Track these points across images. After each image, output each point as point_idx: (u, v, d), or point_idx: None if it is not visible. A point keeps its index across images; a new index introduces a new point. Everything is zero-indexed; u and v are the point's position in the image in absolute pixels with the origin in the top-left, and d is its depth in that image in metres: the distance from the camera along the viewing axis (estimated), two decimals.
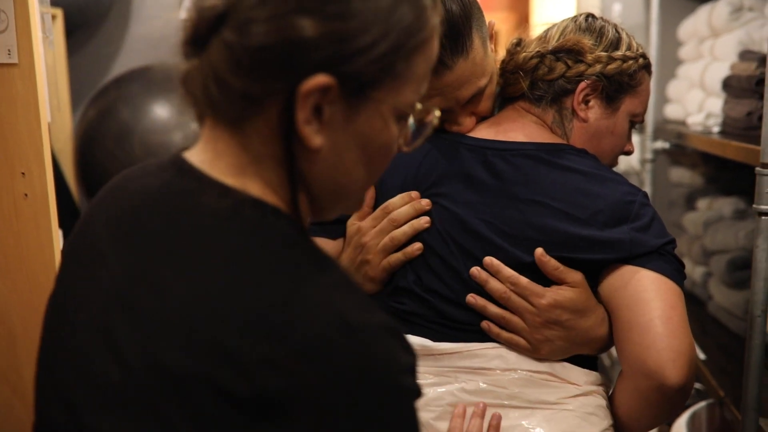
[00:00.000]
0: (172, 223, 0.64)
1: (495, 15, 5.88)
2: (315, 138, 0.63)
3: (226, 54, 0.61)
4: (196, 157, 0.67)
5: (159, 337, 0.59)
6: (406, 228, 1.10)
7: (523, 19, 5.44)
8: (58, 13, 2.18)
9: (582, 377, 1.07)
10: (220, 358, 0.56)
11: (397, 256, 1.10)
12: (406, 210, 1.11)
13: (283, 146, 0.63)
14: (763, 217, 1.19)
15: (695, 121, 1.95)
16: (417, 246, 1.09)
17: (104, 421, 0.60)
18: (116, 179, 0.72)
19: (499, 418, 1.02)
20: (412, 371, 0.61)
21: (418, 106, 0.70)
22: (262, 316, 0.57)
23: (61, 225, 1.27)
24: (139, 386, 0.59)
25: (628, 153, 1.24)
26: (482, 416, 1.02)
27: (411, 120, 0.73)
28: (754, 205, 1.19)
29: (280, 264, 0.61)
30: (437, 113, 0.74)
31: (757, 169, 1.19)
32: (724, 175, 2.21)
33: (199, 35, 0.62)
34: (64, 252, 0.73)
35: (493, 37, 1.21)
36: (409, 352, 0.62)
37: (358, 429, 0.58)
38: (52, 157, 1.27)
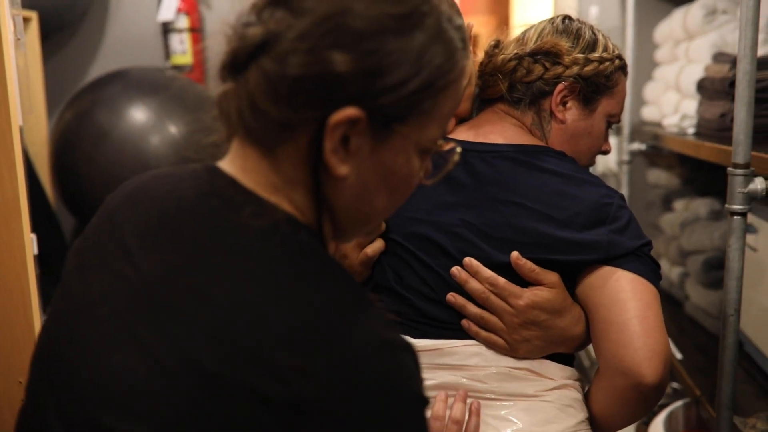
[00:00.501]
0: (210, 230, 0.66)
1: (475, 18, 5.91)
2: (341, 167, 0.66)
3: (264, 82, 0.64)
4: (231, 169, 0.69)
5: (197, 338, 0.60)
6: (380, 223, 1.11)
7: (503, 21, 5.47)
8: (33, 15, 2.16)
9: (558, 372, 1.09)
10: (258, 364, 0.58)
11: (374, 247, 1.11)
12: None
13: (310, 173, 0.67)
14: (735, 217, 1.20)
15: (671, 122, 1.97)
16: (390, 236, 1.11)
17: (124, 419, 0.60)
18: (140, 180, 0.74)
19: (479, 404, 1.04)
20: (424, 385, 0.66)
21: (441, 142, 0.73)
22: (301, 328, 0.60)
23: (35, 229, 1.26)
24: (170, 384, 0.60)
25: (606, 152, 1.26)
26: (464, 401, 1.04)
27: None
28: (726, 205, 1.21)
29: (317, 281, 0.64)
30: (459, 150, 0.77)
31: (729, 169, 1.20)
32: (700, 176, 2.23)
33: (239, 61, 0.65)
34: (76, 247, 0.74)
35: (471, 39, 1.21)
36: (419, 367, 0.66)
37: None
38: (26, 160, 1.25)
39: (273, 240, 0.65)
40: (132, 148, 1.98)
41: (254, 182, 0.69)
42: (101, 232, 0.71)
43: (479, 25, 6.06)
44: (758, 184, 1.18)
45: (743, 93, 1.15)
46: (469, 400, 1.05)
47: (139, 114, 2.00)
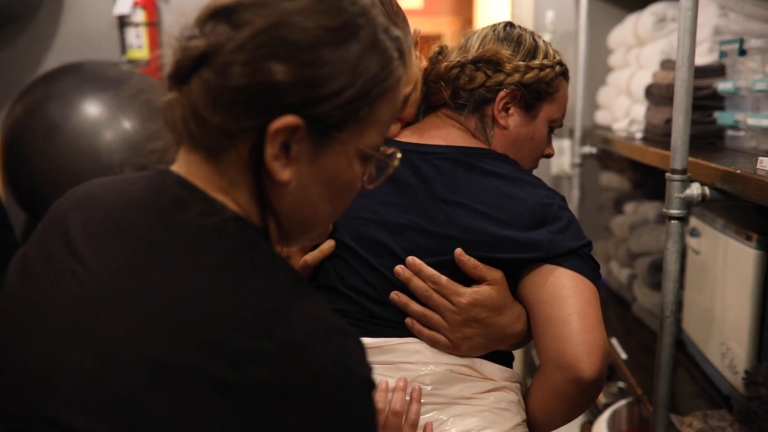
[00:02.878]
0: (159, 227, 0.68)
1: (440, 19, 5.93)
2: (282, 173, 0.69)
3: (206, 92, 0.67)
4: (180, 172, 0.72)
5: (147, 329, 0.62)
6: None
7: (467, 22, 5.50)
8: None
9: (498, 373, 1.10)
10: (212, 351, 0.60)
11: (314, 255, 1.12)
12: None
13: (253, 178, 0.69)
14: (673, 221, 1.23)
15: (620, 127, 2.01)
16: (331, 243, 1.12)
17: (74, 411, 0.61)
18: (89, 186, 0.76)
19: (420, 390, 1.05)
20: (371, 369, 0.69)
21: (382, 148, 0.76)
22: (253, 314, 0.63)
23: None
24: (120, 375, 0.61)
25: (549, 156, 1.28)
26: (404, 390, 1.05)
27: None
28: (663, 210, 1.24)
29: (267, 274, 0.67)
30: (399, 156, 0.79)
31: (667, 174, 1.23)
32: (649, 180, 2.28)
33: (182, 72, 0.68)
34: (21, 254, 0.75)
35: (417, 44, 1.23)
36: (366, 353, 0.69)
37: (335, 419, 0.64)
38: None
39: (221, 235, 0.67)
40: (85, 143, 1.95)
41: (203, 184, 0.71)
42: (48, 238, 0.72)
43: (443, 26, 6.09)
44: (695, 189, 1.21)
45: (681, 100, 1.18)
46: (409, 387, 1.05)
47: (92, 108, 1.97)
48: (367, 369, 0.68)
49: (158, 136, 0.73)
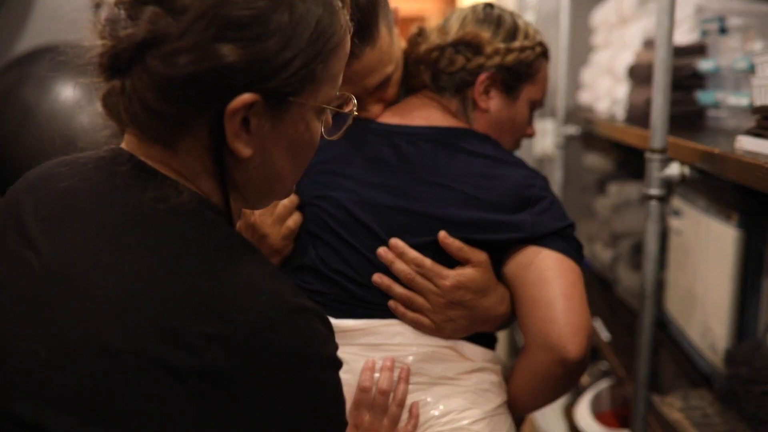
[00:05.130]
0: (114, 209, 0.66)
1: (423, 0, 5.89)
2: (245, 149, 0.67)
3: (153, 83, 0.63)
4: (134, 151, 0.69)
5: (101, 316, 0.60)
6: (293, 197, 1.10)
7: (449, 2, 5.47)
8: None
9: (479, 354, 1.10)
10: (167, 337, 0.59)
11: (295, 219, 1.10)
12: None
13: (214, 160, 0.68)
14: (653, 201, 1.22)
15: (602, 107, 2.00)
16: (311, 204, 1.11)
17: (30, 404, 0.59)
18: (42, 168, 0.74)
19: (408, 370, 1.05)
20: (336, 347, 0.68)
21: (337, 95, 0.75)
22: (209, 299, 0.61)
23: None
24: (73, 364, 0.59)
25: (530, 136, 1.28)
26: (392, 370, 1.05)
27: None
28: (642, 190, 1.23)
29: (223, 254, 0.65)
30: (355, 102, 0.79)
31: (647, 154, 1.22)
32: (633, 161, 2.27)
33: (120, 61, 0.64)
34: None
35: (398, 23, 1.21)
36: (331, 330, 0.68)
37: (298, 400, 0.63)
38: None
39: (178, 217, 0.66)
40: (60, 127, 1.91)
41: (158, 166, 0.68)
42: (2, 224, 0.70)
43: (426, 3, 6.05)
44: (674, 168, 1.21)
45: (660, 79, 1.17)
46: (396, 368, 1.06)
47: (67, 91, 1.94)
48: (331, 348, 0.66)
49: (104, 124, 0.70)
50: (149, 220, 0.65)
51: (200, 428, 0.59)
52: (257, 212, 1.12)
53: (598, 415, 1.85)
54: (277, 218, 1.11)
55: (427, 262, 1.06)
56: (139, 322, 0.60)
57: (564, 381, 1.08)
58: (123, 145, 0.71)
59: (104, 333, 0.60)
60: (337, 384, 0.68)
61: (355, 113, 0.79)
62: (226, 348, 0.59)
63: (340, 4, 0.72)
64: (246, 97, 0.65)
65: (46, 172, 0.73)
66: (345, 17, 0.73)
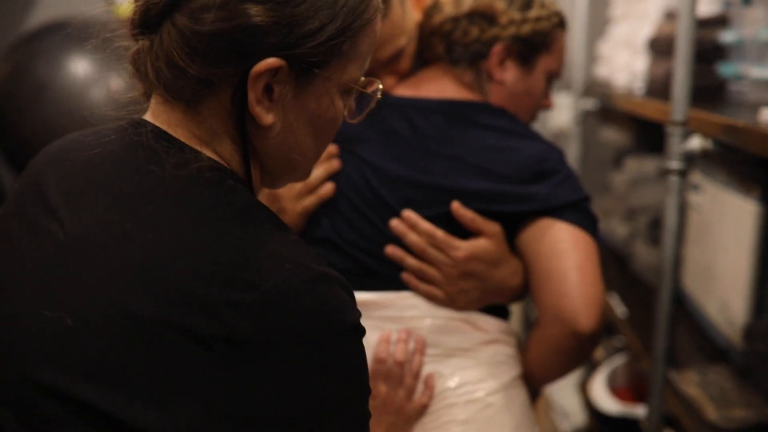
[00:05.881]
0: (135, 180, 0.65)
1: None
2: (266, 116, 0.67)
3: (180, 39, 0.64)
4: (156, 122, 0.69)
5: (125, 284, 0.60)
6: (318, 172, 1.10)
7: None
8: None
9: (494, 326, 1.10)
10: (189, 304, 0.59)
11: (311, 199, 1.11)
12: None
13: (236, 125, 0.67)
14: (672, 176, 1.20)
15: (620, 80, 1.97)
16: (329, 186, 1.10)
17: (57, 371, 0.60)
18: (64, 142, 0.73)
19: (423, 342, 1.05)
20: (359, 314, 0.67)
21: (362, 80, 0.74)
22: (232, 267, 0.61)
23: None
24: (98, 332, 0.59)
25: (547, 108, 1.26)
26: (407, 341, 1.05)
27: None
28: (662, 164, 1.21)
29: (245, 221, 0.65)
30: (380, 86, 0.78)
31: (668, 127, 1.20)
32: (651, 135, 2.24)
33: (151, 18, 0.65)
34: (0, 215, 0.72)
35: None
36: (353, 297, 0.68)
37: (323, 366, 0.62)
38: None
39: (199, 185, 0.65)
40: (72, 102, 1.91)
41: (180, 134, 0.68)
42: (25, 197, 0.70)
43: None
44: (695, 142, 1.19)
45: (682, 51, 1.15)
46: (411, 340, 1.06)
47: (79, 66, 1.93)
48: (355, 315, 0.66)
49: (130, 87, 0.70)
50: (170, 188, 0.65)
51: (226, 395, 0.59)
52: None
53: (613, 390, 1.85)
54: (297, 194, 1.11)
55: (440, 233, 1.06)
56: (162, 290, 0.60)
57: (577, 354, 1.07)
58: (147, 116, 0.71)
59: (128, 301, 0.60)
60: (362, 351, 0.67)
61: (379, 96, 0.78)
62: (250, 314, 0.59)
63: None
64: (271, 61, 0.64)
65: (67, 144, 0.73)
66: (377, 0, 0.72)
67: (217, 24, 0.63)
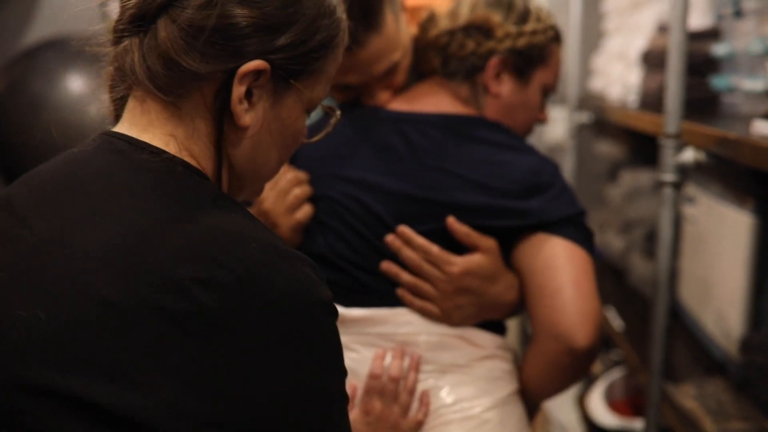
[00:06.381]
0: (103, 181, 0.68)
1: None
2: (245, 117, 0.71)
3: (178, 33, 0.67)
4: (125, 130, 0.72)
5: (96, 273, 0.61)
6: (306, 188, 1.10)
7: None
8: None
9: (489, 341, 1.10)
10: (160, 285, 0.60)
11: (305, 211, 1.10)
12: (302, 172, 1.13)
13: (214, 122, 0.71)
14: (666, 188, 1.21)
15: (614, 93, 1.98)
16: (312, 196, 1.11)
17: (30, 367, 0.60)
18: (35, 168, 0.75)
19: (418, 359, 1.05)
20: (330, 295, 0.68)
21: (324, 102, 0.81)
22: (200, 247, 0.63)
23: None
24: (74, 325, 0.60)
25: (543, 122, 1.26)
26: (401, 358, 1.05)
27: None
28: (657, 176, 1.22)
29: (213, 208, 0.67)
30: (338, 113, 0.85)
31: (661, 139, 1.21)
32: (645, 148, 2.25)
33: (148, 13, 0.68)
34: None
35: (405, 9, 1.20)
36: (321, 277, 0.69)
37: (294, 341, 0.64)
38: None
39: (165, 179, 0.68)
40: (69, 119, 1.91)
41: (152, 137, 0.70)
42: None
43: None
44: (688, 154, 1.19)
45: (674, 64, 1.16)
46: (406, 357, 1.05)
47: (76, 83, 1.94)
48: (325, 293, 0.67)
49: (98, 98, 0.74)
50: (140, 183, 0.68)
51: (203, 373, 0.60)
52: (269, 199, 1.11)
53: (611, 403, 1.84)
54: (287, 208, 1.11)
55: (434, 248, 1.06)
56: (132, 274, 0.61)
57: (573, 370, 1.07)
58: (119, 127, 0.73)
59: (99, 288, 0.61)
60: (335, 330, 0.68)
61: (337, 119, 0.84)
62: (220, 291, 0.61)
63: (339, 11, 0.77)
64: (259, 62, 0.69)
65: (38, 168, 0.75)
66: (344, 22, 0.78)
67: (215, 20, 0.67)
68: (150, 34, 0.68)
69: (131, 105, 0.73)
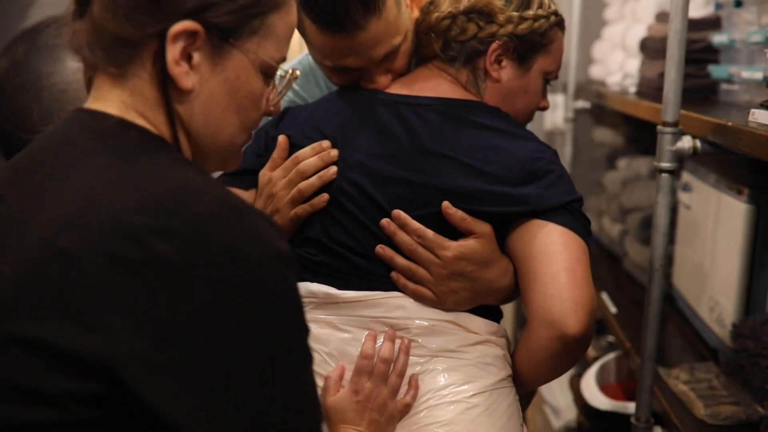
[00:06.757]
0: (65, 147, 0.71)
1: None
2: (186, 80, 0.72)
3: (105, 5, 0.70)
4: (87, 105, 0.75)
5: (55, 227, 0.64)
6: (313, 180, 1.11)
7: None
8: None
9: (483, 327, 1.10)
10: (115, 233, 0.62)
11: (304, 208, 1.11)
12: (314, 161, 1.12)
13: (158, 88, 0.73)
14: (663, 174, 1.22)
15: (613, 81, 1.99)
16: (324, 197, 1.11)
17: (6, 320, 0.63)
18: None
19: (409, 343, 1.06)
20: (285, 246, 0.68)
21: (280, 68, 0.81)
22: (156, 196, 0.64)
23: None
24: (35, 276, 0.63)
25: (544, 109, 1.26)
26: (392, 340, 1.05)
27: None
28: (654, 163, 1.23)
29: (168, 164, 0.70)
30: (296, 74, 0.84)
31: (659, 127, 1.22)
32: (643, 134, 2.26)
33: None
34: None
35: None
36: (278, 230, 0.69)
37: (248, 293, 0.64)
38: None
39: (122, 139, 0.71)
40: (73, 97, 1.92)
41: (113, 105, 0.73)
42: None
43: None
44: (686, 142, 1.20)
45: (673, 52, 1.16)
46: (398, 340, 1.06)
47: (78, 63, 1.94)
48: (282, 245, 0.67)
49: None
50: (98, 145, 0.70)
51: (157, 316, 0.61)
52: (278, 186, 1.12)
53: (604, 387, 1.87)
54: (291, 199, 1.11)
55: (429, 233, 1.06)
56: (89, 225, 0.63)
57: (566, 357, 1.07)
58: (87, 102, 0.76)
59: (58, 240, 0.63)
60: (293, 282, 0.68)
61: (293, 80, 0.84)
62: (174, 240, 0.62)
63: None
64: (187, 23, 0.70)
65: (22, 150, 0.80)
66: None
67: None
68: (89, 13, 0.72)
69: (95, 84, 0.76)
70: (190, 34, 0.71)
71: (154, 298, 0.61)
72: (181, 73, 0.72)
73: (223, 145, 0.80)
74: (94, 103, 0.75)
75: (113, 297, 0.61)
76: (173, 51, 0.71)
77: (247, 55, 0.75)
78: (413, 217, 1.06)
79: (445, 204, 1.05)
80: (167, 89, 0.73)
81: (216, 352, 0.62)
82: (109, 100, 0.74)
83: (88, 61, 0.75)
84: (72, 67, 1.96)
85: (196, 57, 0.72)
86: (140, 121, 0.74)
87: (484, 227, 1.07)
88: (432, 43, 1.17)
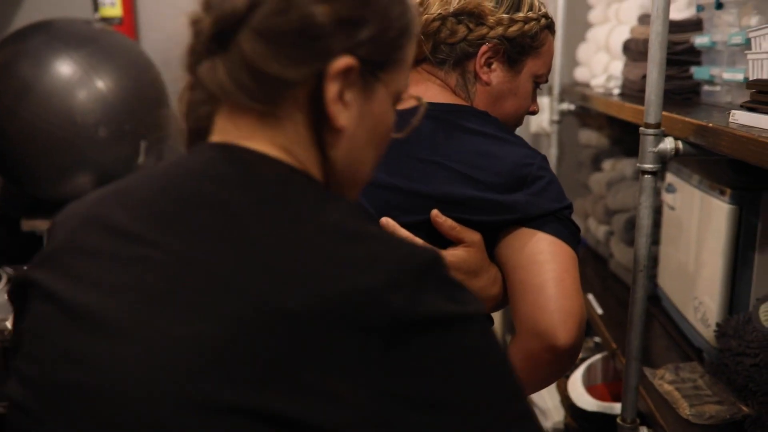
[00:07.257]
0: (224, 186, 0.65)
1: None
2: (341, 117, 0.69)
3: (261, 42, 0.66)
4: (228, 140, 0.70)
5: (274, 284, 0.58)
6: None
7: None
8: None
9: None
10: (349, 293, 0.58)
11: None
12: None
13: (312, 127, 0.69)
14: (646, 176, 1.23)
15: (598, 83, 2.00)
16: None
17: (209, 382, 0.56)
18: (93, 199, 0.72)
19: None
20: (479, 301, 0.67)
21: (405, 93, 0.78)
22: (385, 259, 0.60)
23: None
24: (255, 336, 0.57)
25: (533, 113, 1.25)
26: None
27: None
28: (637, 164, 1.24)
29: (348, 215, 0.65)
30: (424, 101, 0.82)
31: (641, 128, 1.23)
32: (628, 137, 2.28)
33: (225, 30, 0.67)
34: (49, 253, 0.69)
35: None
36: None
37: (469, 348, 0.62)
38: None
39: (298, 187, 0.67)
40: (57, 103, 1.91)
41: (261, 145, 0.69)
42: (84, 231, 0.68)
43: None
44: (668, 143, 1.21)
45: (655, 54, 1.17)
46: None
47: (64, 67, 1.93)
48: (474, 299, 0.65)
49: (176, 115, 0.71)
50: (265, 193, 0.65)
51: (394, 379, 0.58)
52: None
53: (591, 388, 1.88)
54: None
55: (418, 241, 1.04)
56: (310, 286, 0.59)
57: (554, 367, 1.05)
58: (212, 138, 0.71)
59: (282, 301, 0.58)
60: (495, 337, 0.66)
61: (423, 109, 0.82)
62: (405, 294, 0.59)
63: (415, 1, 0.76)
64: (346, 59, 0.67)
65: (115, 187, 0.71)
66: (416, 11, 0.76)
67: (298, 23, 0.66)
68: (232, 49, 0.67)
69: (221, 122, 0.71)
70: (346, 71, 0.68)
71: (389, 362, 0.57)
72: (337, 110, 0.69)
73: (360, 182, 0.77)
74: (237, 140, 0.69)
75: (348, 363, 0.57)
76: (332, 89, 0.67)
77: (389, 87, 0.73)
78: (402, 224, 1.05)
79: (434, 213, 1.04)
80: (322, 129, 0.69)
81: (464, 409, 0.60)
82: (256, 139, 0.69)
83: (223, 98, 0.69)
84: (59, 72, 1.96)
85: (348, 94, 0.69)
86: (290, 160, 0.69)
87: (473, 236, 1.06)
88: (421, 46, 1.16)
